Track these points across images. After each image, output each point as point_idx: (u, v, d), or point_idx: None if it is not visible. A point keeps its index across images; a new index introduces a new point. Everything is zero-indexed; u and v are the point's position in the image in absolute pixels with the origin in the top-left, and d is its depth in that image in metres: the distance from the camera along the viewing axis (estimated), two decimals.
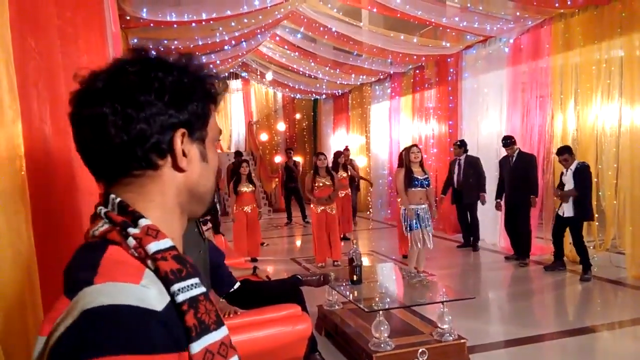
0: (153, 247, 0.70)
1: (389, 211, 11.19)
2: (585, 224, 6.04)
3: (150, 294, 0.65)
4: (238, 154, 10.74)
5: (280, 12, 7.51)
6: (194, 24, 6.83)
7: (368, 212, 11.93)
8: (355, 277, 4.14)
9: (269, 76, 12.17)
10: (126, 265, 0.68)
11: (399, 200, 6.02)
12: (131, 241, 0.70)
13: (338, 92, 13.72)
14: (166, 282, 0.68)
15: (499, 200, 6.94)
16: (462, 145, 7.67)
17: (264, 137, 15.35)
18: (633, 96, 5.78)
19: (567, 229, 6.07)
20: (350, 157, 10.70)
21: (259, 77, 13.05)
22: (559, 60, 6.84)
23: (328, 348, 3.99)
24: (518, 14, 6.97)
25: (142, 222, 0.72)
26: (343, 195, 8.35)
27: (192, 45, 7.64)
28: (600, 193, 6.31)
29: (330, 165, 7.60)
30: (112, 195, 0.74)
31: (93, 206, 0.77)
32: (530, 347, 4.00)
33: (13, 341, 1.49)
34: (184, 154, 0.76)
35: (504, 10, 7.03)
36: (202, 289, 0.71)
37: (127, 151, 0.72)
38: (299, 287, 3.63)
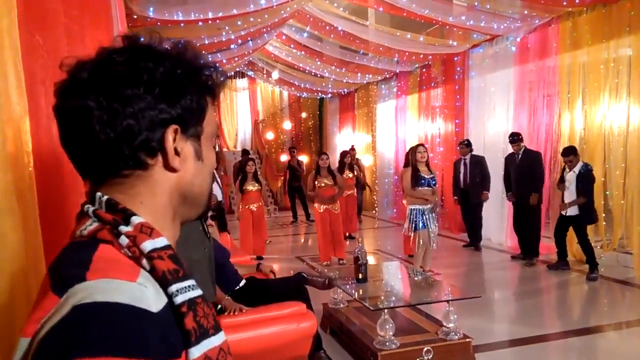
0: (148, 245, 0.64)
1: (394, 210, 11.18)
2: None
3: (147, 293, 0.61)
4: (245, 152, 10.79)
5: (286, 11, 7.51)
6: (200, 23, 6.84)
7: (374, 211, 11.92)
8: (360, 276, 4.15)
9: (275, 75, 12.19)
10: (120, 263, 0.63)
11: (404, 201, 6.01)
12: (124, 240, 0.65)
13: (344, 91, 13.70)
14: (163, 282, 0.63)
15: (510, 193, 6.87)
16: (469, 145, 7.66)
17: (270, 135, 15.37)
18: None
19: (570, 228, 6.03)
20: (357, 156, 10.62)
21: (265, 75, 13.08)
22: (567, 59, 6.79)
23: (333, 346, 4.00)
24: (525, 12, 6.93)
25: (135, 219, 0.66)
26: (348, 194, 8.30)
27: (198, 44, 7.67)
28: (607, 193, 6.27)
29: (336, 165, 7.57)
30: (99, 194, 0.69)
31: None
32: (535, 346, 3.98)
33: None
34: (177, 153, 0.70)
35: (511, 8, 6.99)
36: (200, 292, 0.66)
37: (114, 149, 0.66)
38: (304, 285, 3.64)
